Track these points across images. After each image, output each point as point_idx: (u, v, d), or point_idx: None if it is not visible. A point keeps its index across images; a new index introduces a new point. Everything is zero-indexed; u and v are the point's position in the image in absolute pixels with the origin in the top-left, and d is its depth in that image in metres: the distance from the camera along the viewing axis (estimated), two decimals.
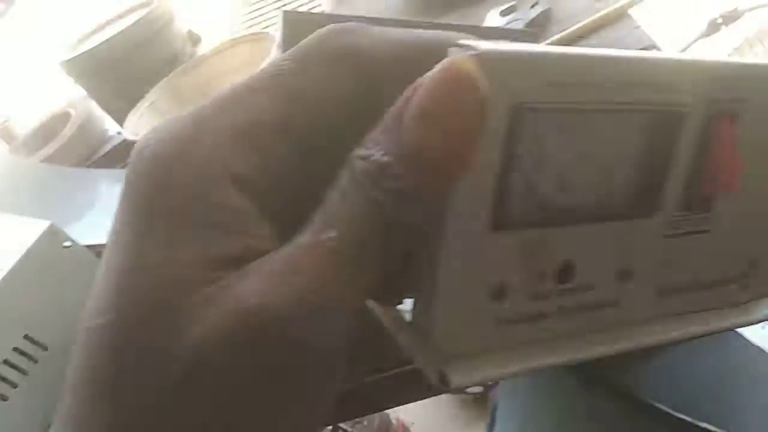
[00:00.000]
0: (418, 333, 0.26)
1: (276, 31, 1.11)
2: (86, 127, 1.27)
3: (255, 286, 0.15)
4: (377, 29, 0.21)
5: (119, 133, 1.24)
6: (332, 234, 0.17)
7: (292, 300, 0.15)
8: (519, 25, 0.89)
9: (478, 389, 1.85)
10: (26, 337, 0.62)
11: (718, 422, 0.28)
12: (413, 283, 0.26)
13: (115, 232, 0.16)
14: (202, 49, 1.35)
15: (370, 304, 0.29)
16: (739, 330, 0.33)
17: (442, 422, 2.05)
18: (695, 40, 0.99)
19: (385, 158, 0.17)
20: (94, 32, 1.32)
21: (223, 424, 0.15)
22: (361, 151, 0.18)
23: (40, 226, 0.65)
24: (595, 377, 0.31)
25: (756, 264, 0.33)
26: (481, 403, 1.90)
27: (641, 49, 0.87)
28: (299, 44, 0.19)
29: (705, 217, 0.30)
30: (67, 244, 0.67)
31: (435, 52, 0.19)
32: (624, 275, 0.29)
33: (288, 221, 0.17)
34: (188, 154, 0.16)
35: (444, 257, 0.24)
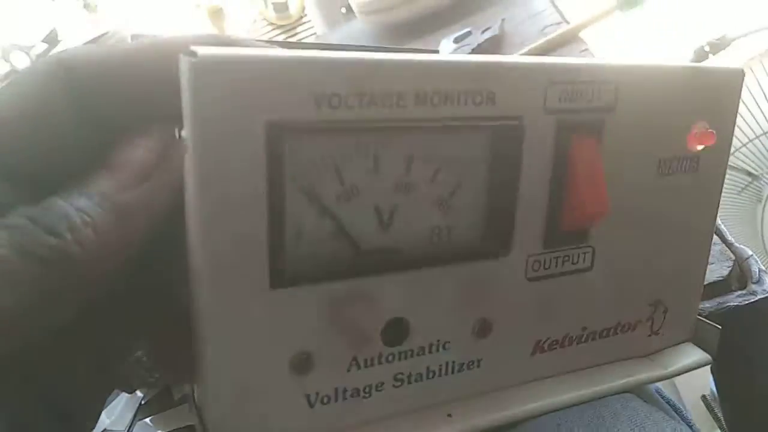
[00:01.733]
0: (201, 419, 0.21)
1: None
2: None
3: None
4: (96, 49, 0.18)
5: None
6: None
7: None
8: (467, 51, 0.86)
9: None
10: None
11: None
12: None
13: None
14: None
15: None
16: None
17: None
18: None
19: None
20: None
21: None
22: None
23: None
24: None
25: (662, 305, 0.28)
26: None
27: None
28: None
29: (578, 254, 0.24)
30: None
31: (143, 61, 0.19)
32: (482, 329, 0.23)
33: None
34: None
35: (207, 325, 0.19)
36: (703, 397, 0.85)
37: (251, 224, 0.18)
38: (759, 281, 0.33)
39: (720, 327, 0.28)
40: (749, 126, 0.90)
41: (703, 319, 0.29)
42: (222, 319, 0.19)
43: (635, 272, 0.26)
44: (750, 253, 0.36)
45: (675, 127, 0.25)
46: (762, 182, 0.93)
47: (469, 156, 0.21)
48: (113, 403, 0.49)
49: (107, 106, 0.18)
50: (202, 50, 0.16)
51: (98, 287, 0.18)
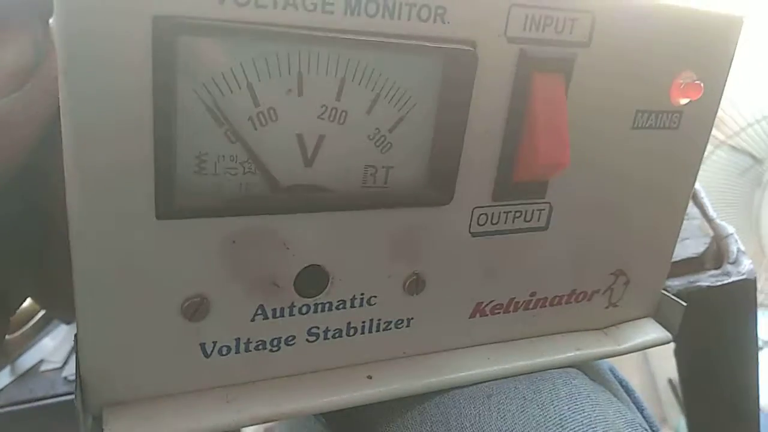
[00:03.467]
0: (77, 367, 0.18)
1: None
2: None
3: None
4: None
5: None
6: None
7: None
8: None
9: None
10: None
11: None
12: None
13: None
14: None
15: None
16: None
17: None
18: None
19: None
20: None
21: None
22: None
23: None
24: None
25: (624, 276, 0.25)
26: None
27: None
28: None
29: (533, 210, 0.22)
30: None
31: None
32: (414, 285, 0.21)
33: None
34: None
35: (81, 258, 0.16)
36: (670, 380, 0.84)
37: (133, 141, 0.15)
38: (735, 262, 0.31)
39: (685, 304, 0.25)
40: (756, 106, 0.86)
41: (667, 293, 0.26)
42: (98, 251, 0.16)
43: (597, 236, 0.23)
44: (731, 231, 0.33)
45: (657, 75, 0.22)
46: (764, 167, 0.89)
47: (413, 85, 0.18)
48: (53, 333, 0.47)
49: None
50: None
51: None
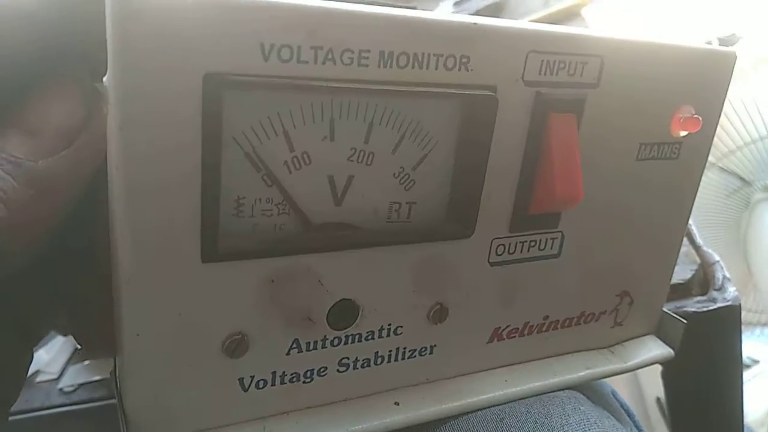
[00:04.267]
0: (120, 401, 0.19)
1: None
2: None
3: None
4: None
5: None
6: None
7: None
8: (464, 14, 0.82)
9: None
10: None
11: None
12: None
13: None
14: None
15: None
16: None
17: None
18: None
19: None
20: None
21: None
22: None
23: None
24: None
25: (629, 297, 0.26)
26: None
27: None
28: None
29: (547, 239, 0.23)
30: None
31: None
32: (438, 314, 0.22)
33: None
34: None
35: (127, 301, 0.17)
36: (658, 399, 0.86)
37: (183, 193, 0.16)
38: (721, 289, 0.32)
39: (685, 321, 0.27)
40: (745, 129, 0.88)
41: (669, 312, 0.28)
42: (145, 295, 0.17)
43: (604, 261, 0.25)
44: (716, 258, 0.35)
45: (659, 110, 0.23)
46: (752, 188, 0.92)
47: (436, 126, 0.19)
48: (50, 344, 0.47)
49: (15, 53, 0.15)
50: None
51: (15, 261, 0.16)
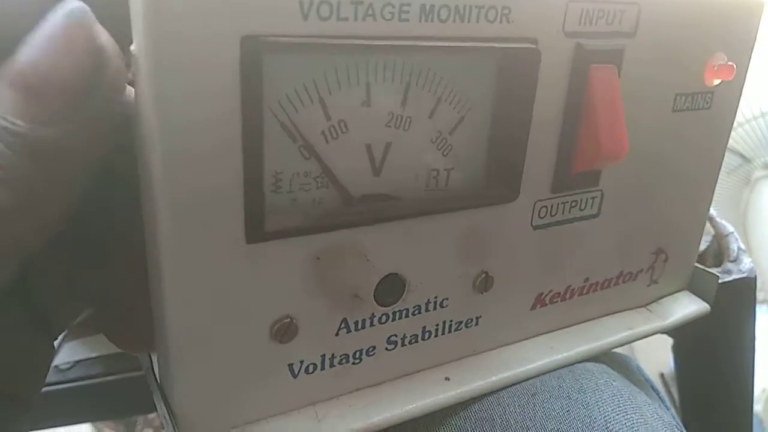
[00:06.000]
0: (162, 395, 0.17)
1: None
2: None
3: None
4: None
5: None
6: None
7: None
8: None
9: None
10: None
11: None
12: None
13: None
14: None
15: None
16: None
17: None
18: None
19: None
20: None
21: None
22: None
23: None
24: None
25: (663, 253, 0.26)
26: None
27: None
28: None
29: (587, 198, 0.22)
30: None
31: None
32: (483, 283, 0.21)
33: None
34: None
35: (169, 288, 0.15)
36: (662, 375, 0.87)
37: (224, 167, 0.15)
38: (736, 260, 0.31)
39: (719, 274, 0.26)
40: (748, 106, 0.87)
41: (701, 266, 0.27)
42: (190, 283, 0.15)
43: (641, 218, 0.24)
44: (731, 229, 0.34)
45: (693, 59, 0.22)
46: (752, 166, 0.92)
47: (473, 87, 0.18)
48: None
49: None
50: None
51: (28, 248, 0.14)
